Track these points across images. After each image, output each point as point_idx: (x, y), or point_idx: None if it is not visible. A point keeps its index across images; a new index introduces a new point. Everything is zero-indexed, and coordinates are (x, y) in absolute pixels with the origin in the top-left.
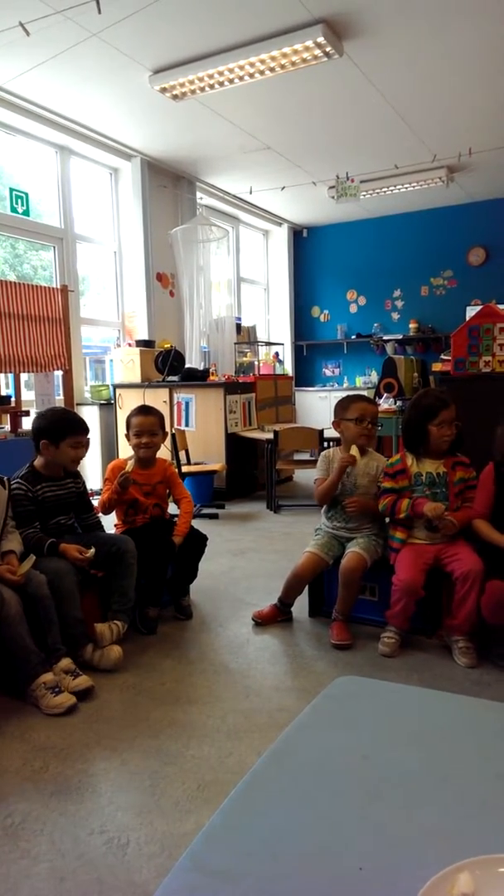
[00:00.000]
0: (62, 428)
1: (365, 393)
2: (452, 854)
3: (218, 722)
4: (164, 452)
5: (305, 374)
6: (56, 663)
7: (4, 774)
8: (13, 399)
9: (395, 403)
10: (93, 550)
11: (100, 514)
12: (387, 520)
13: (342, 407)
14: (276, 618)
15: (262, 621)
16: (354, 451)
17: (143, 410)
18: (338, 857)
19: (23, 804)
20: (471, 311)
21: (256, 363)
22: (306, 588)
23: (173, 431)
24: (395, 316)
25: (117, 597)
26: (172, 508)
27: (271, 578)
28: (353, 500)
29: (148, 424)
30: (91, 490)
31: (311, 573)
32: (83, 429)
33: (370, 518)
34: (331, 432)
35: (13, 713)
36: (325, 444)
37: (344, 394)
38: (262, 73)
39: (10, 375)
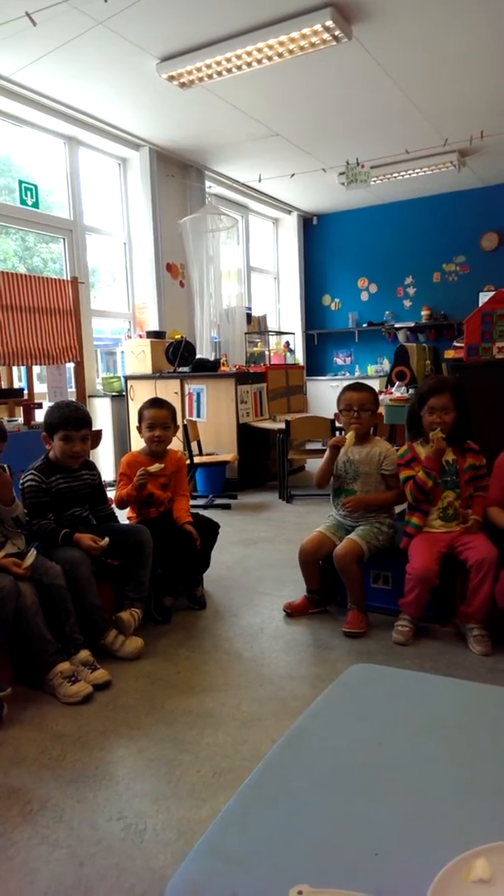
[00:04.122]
0: (54, 422)
1: (374, 382)
2: (468, 840)
3: (232, 710)
4: (175, 444)
5: (317, 363)
6: (74, 654)
7: (23, 762)
8: (26, 392)
9: (408, 392)
10: (106, 540)
11: (113, 506)
12: (405, 506)
13: (337, 400)
14: (308, 609)
15: (292, 612)
16: (350, 435)
17: (156, 403)
18: (353, 842)
19: (41, 791)
20: (484, 297)
21: (267, 353)
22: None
23: (185, 423)
24: (407, 303)
25: (133, 584)
26: None
27: (284, 568)
28: (349, 500)
29: (161, 418)
30: (105, 482)
31: (314, 549)
32: (73, 424)
33: (373, 510)
34: None
35: (31, 702)
36: (337, 434)
37: (352, 382)
38: (270, 58)
39: (23, 368)
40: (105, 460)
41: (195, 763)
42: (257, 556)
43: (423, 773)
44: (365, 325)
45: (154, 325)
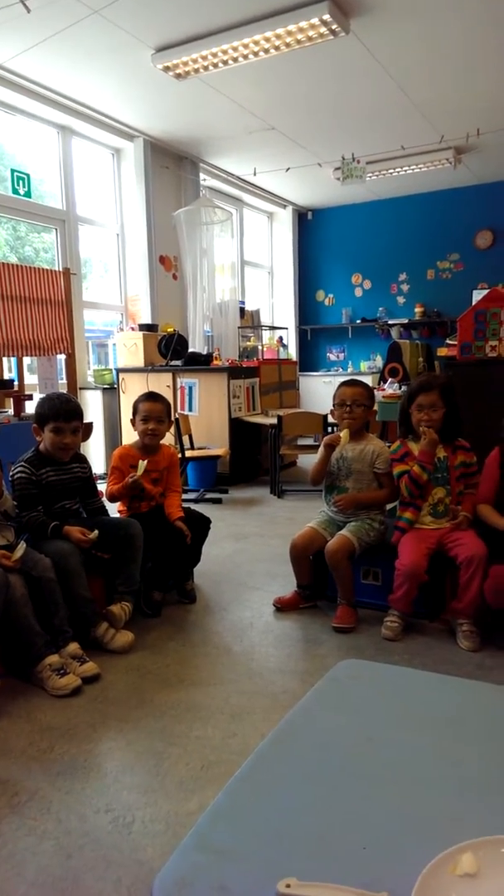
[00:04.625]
0: (44, 413)
1: (367, 378)
2: (455, 835)
3: (221, 703)
4: (167, 437)
5: (310, 358)
6: (63, 646)
7: (11, 754)
8: (16, 383)
9: (400, 388)
10: (96, 532)
11: (104, 499)
12: (397, 503)
13: (333, 396)
14: (298, 604)
15: (282, 607)
16: (344, 433)
17: (152, 397)
18: (342, 836)
19: (29, 783)
20: (477, 295)
21: (260, 347)
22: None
23: (177, 416)
24: (401, 300)
25: (123, 578)
26: None
27: (274, 563)
28: (339, 498)
29: (156, 411)
30: (96, 474)
31: (305, 545)
32: (64, 416)
33: (364, 507)
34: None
35: (19, 694)
36: (329, 430)
37: (347, 378)
38: (266, 51)
39: (14, 359)
40: (96, 453)
41: (184, 756)
42: (248, 551)
43: (412, 768)
44: (358, 322)
45: (146, 318)
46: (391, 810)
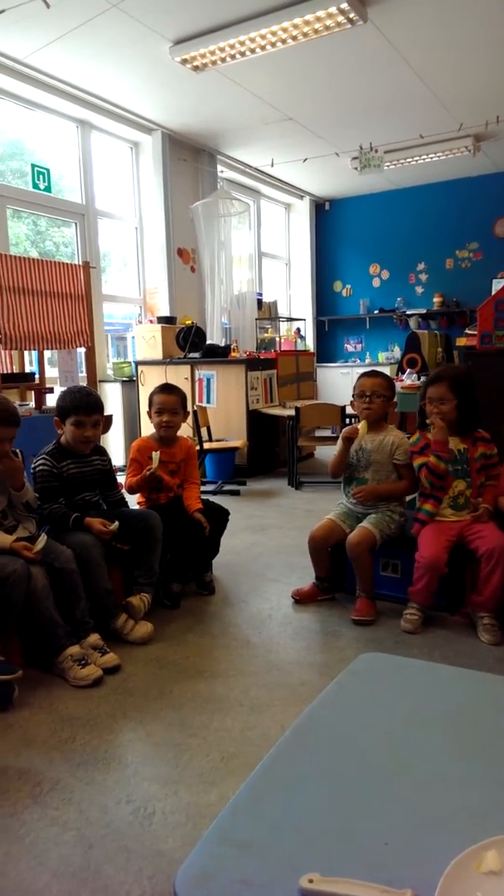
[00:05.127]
0: (66, 406)
1: (385, 369)
2: (479, 831)
3: (240, 695)
4: (185, 430)
5: (327, 349)
6: (84, 637)
7: (33, 744)
8: (37, 376)
9: (419, 379)
10: (116, 524)
11: (124, 491)
12: (417, 495)
13: (353, 387)
14: (316, 596)
15: (300, 599)
16: (362, 425)
17: (166, 389)
18: (363, 831)
19: (51, 773)
20: (497, 284)
21: (278, 339)
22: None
23: (195, 408)
24: (419, 290)
25: (143, 570)
26: None
27: (293, 555)
28: (359, 490)
29: (170, 403)
30: (115, 467)
31: (324, 537)
32: (85, 409)
33: (383, 499)
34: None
35: (41, 685)
36: (347, 421)
37: (366, 370)
38: (284, 41)
39: (34, 353)
40: (115, 445)
41: (203, 747)
42: (266, 543)
43: (433, 762)
44: (376, 312)
45: (165, 311)
46: (413, 806)
